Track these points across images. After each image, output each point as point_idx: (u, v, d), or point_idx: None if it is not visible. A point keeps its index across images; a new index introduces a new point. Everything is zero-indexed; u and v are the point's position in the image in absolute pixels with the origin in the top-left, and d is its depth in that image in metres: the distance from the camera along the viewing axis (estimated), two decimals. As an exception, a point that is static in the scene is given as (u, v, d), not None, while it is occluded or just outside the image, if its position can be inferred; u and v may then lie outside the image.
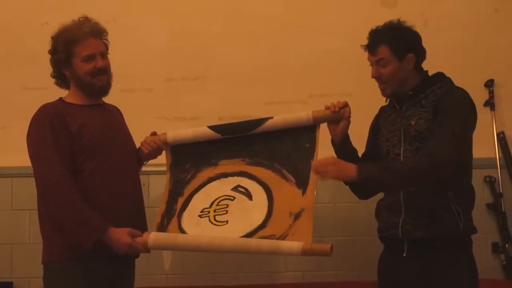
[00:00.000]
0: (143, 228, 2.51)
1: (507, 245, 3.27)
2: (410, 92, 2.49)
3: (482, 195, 3.32)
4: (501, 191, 3.33)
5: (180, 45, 3.51)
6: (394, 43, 2.47)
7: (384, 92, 2.54)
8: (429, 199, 2.40)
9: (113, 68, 3.40)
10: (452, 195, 2.39)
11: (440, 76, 2.53)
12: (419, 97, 2.48)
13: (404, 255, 2.42)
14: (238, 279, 3.28)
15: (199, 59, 3.51)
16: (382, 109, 2.70)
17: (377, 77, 2.50)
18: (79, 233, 2.34)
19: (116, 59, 3.40)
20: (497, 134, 3.41)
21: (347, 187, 2.64)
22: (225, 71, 3.50)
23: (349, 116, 2.57)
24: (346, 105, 2.57)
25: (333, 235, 3.32)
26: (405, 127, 2.47)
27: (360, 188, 2.63)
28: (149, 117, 3.36)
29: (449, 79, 2.53)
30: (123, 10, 3.51)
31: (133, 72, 3.50)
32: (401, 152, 2.47)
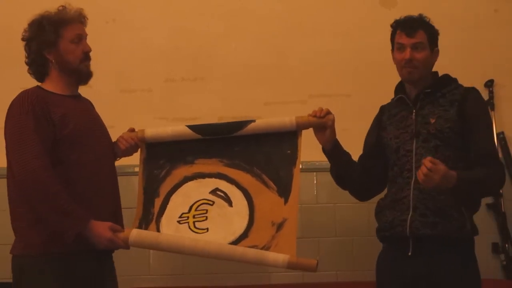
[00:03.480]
0: (119, 223, 2.47)
1: (507, 245, 3.28)
2: (428, 90, 2.50)
3: (482, 195, 3.33)
4: (501, 192, 3.33)
5: (180, 45, 3.51)
6: (430, 32, 2.54)
7: (410, 75, 2.50)
8: (439, 198, 2.40)
9: (113, 68, 3.42)
10: None
11: (449, 76, 2.57)
12: (436, 95, 2.50)
13: (410, 253, 2.42)
14: (237, 279, 3.27)
15: (199, 59, 3.52)
16: (384, 108, 2.69)
17: (409, 60, 2.47)
18: (61, 224, 2.29)
19: (116, 59, 3.43)
20: (497, 135, 3.40)
21: (347, 187, 2.65)
22: (225, 71, 3.50)
23: (333, 125, 2.54)
24: (328, 112, 2.54)
25: (333, 235, 3.32)
26: (421, 125, 2.48)
27: (362, 189, 2.65)
28: (149, 117, 3.36)
29: (456, 79, 2.57)
30: (123, 10, 3.51)
31: (133, 73, 3.50)
32: (413, 149, 2.46)
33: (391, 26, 2.59)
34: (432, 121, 2.46)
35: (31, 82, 3.50)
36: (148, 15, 3.53)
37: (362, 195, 2.70)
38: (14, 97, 3.38)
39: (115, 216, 2.48)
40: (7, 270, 3.23)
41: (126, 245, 2.37)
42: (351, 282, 3.21)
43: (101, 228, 2.31)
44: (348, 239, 3.29)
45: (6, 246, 3.24)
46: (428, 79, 2.54)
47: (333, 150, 2.59)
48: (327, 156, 2.62)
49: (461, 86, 2.54)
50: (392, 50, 2.58)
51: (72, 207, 2.29)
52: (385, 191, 2.64)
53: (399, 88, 2.62)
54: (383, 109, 2.69)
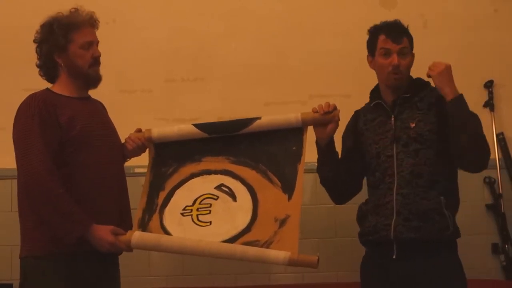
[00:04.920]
0: (127, 224, 2.48)
1: (506, 246, 3.27)
2: (407, 95, 2.51)
3: (482, 196, 3.33)
4: (500, 192, 3.33)
5: (180, 46, 3.51)
6: (410, 37, 2.54)
7: (397, 82, 2.50)
8: (421, 202, 2.43)
9: (113, 69, 3.41)
10: (444, 199, 2.43)
11: (423, 80, 2.58)
12: (414, 100, 2.51)
13: (394, 257, 2.43)
14: (237, 280, 3.28)
15: (199, 60, 3.51)
16: (358, 112, 2.69)
17: (397, 66, 2.48)
18: (63, 227, 2.30)
19: (116, 59, 3.42)
20: (496, 135, 3.40)
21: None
22: (225, 71, 3.50)
23: (338, 120, 2.55)
24: (335, 108, 2.54)
25: (333, 235, 3.32)
26: (400, 129, 2.49)
27: (339, 190, 2.65)
28: (149, 118, 3.34)
29: (429, 83, 2.58)
30: (123, 10, 3.51)
31: (133, 73, 3.50)
32: (394, 154, 2.47)
33: (369, 31, 2.59)
34: (412, 125, 2.47)
35: (32, 84, 3.50)
36: (148, 15, 3.53)
37: (341, 197, 2.70)
38: (14, 97, 3.39)
39: (121, 217, 2.49)
40: (7, 271, 3.26)
41: (128, 248, 2.38)
42: (351, 282, 3.20)
43: (103, 232, 2.32)
44: (348, 239, 3.27)
45: (6, 247, 3.28)
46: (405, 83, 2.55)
47: (328, 146, 2.58)
48: (320, 152, 2.61)
49: (435, 89, 2.53)
50: (372, 55, 2.57)
51: (74, 210, 2.30)
52: (361, 194, 2.66)
53: (375, 93, 2.63)
54: (358, 113, 2.69)
